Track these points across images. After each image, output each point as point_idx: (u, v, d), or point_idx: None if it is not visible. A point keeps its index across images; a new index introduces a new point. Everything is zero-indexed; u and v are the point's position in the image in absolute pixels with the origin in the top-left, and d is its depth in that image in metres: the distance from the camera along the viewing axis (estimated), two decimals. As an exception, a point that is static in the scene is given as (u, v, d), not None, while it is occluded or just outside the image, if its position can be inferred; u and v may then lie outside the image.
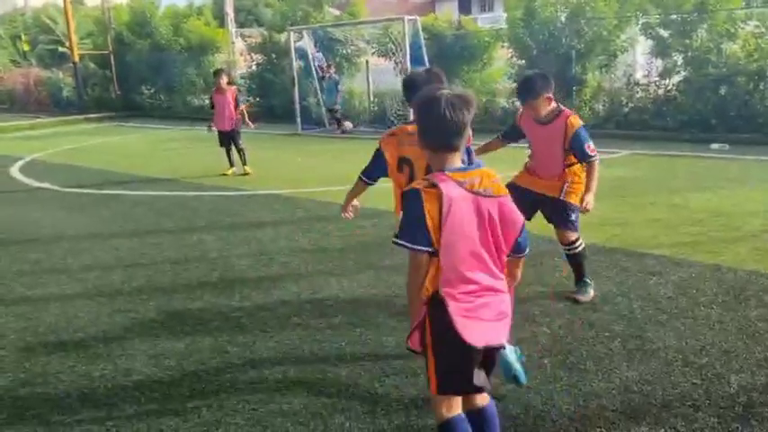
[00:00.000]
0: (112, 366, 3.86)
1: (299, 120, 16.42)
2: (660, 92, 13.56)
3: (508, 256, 2.44)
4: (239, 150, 10.44)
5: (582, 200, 4.44)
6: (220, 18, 24.18)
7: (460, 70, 15.89)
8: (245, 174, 10.27)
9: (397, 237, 2.30)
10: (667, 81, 13.48)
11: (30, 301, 5.06)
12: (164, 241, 6.64)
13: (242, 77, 21.05)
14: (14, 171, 11.74)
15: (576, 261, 4.71)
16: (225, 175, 10.27)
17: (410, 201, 2.27)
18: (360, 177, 3.85)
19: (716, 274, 4.98)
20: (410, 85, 3.67)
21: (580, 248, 4.70)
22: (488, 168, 2.35)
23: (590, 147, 4.47)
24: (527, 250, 2.53)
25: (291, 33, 16.91)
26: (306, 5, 19.21)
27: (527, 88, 4.52)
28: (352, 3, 20.11)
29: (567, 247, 4.70)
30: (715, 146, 11.25)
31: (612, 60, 14.13)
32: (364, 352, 3.93)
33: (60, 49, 31.15)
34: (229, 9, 24.01)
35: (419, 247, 2.27)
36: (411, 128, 3.33)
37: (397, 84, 16.49)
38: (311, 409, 3.31)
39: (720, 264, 5.20)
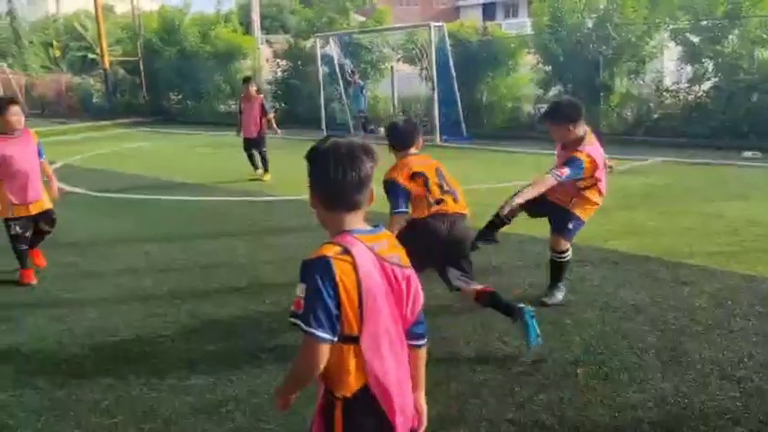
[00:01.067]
0: (146, 369, 3.91)
1: (324, 125, 16.51)
2: (690, 98, 13.39)
3: (409, 346, 1.98)
4: (262, 157, 10.59)
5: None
6: (246, 24, 24.47)
7: (486, 76, 15.87)
8: (263, 180, 10.44)
9: (295, 315, 1.79)
10: (698, 87, 13.31)
11: (66, 303, 5.15)
12: (194, 246, 6.72)
13: (268, 83, 21.23)
14: (47, 175, 11.96)
15: (558, 269, 4.78)
16: (255, 179, 10.45)
17: (318, 272, 1.75)
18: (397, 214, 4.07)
19: (752, 285, 4.90)
20: (392, 130, 4.33)
21: (566, 259, 4.77)
22: (391, 233, 1.97)
23: (561, 170, 4.42)
24: (426, 338, 2.05)
25: (317, 40, 17.03)
26: (331, 12, 19.35)
27: (551, 111, 4.71)
28: (377, 9, 20.21)
29: (557, 255, 4.75)
30: (747, 153, 11.08)
31: (641, 67, 13.99)
32: (395, 359, 3.93)
33: (90, 55, 31.72)
34: (255, 16, 24.29)
35: (323, 335, 1.75)
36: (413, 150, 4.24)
37: (421, 90, 16.55)
38: (343, 415, 3.32)
39: (756, 274, 5.11)
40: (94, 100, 27.17)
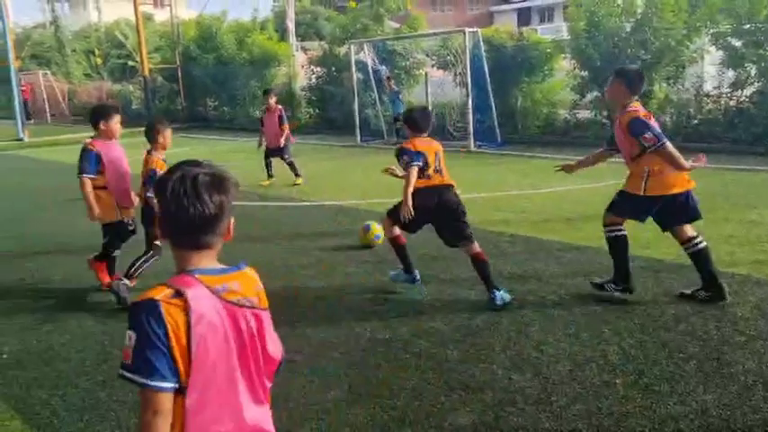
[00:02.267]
0: (184, 372, 3.97)
1: (358, 131, 16.59)
2: (732, 104, 13.09)
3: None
4: (288, 164, 10.76)
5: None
6: (282, 31, 24.74)
7: (521, 82, 15.75)
8: (296, 184, 10.59)
9: (124, 367, 1.60)
10: (740, 93, 13.01)
11: (108, 305, 5.25)
12: (230, 250, 6.71)
13: (302, 89, 21.43)
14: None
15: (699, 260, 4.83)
16: (295, 184, 10.60)
17: (145, 316, 1.59)
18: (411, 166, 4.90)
19: (797, 295, 4.76)
20: (409, 117, 5.23)
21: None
22: (251, 272, 1.82)
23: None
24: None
25: (352, 46, 17.13)
26: (366, 19, 19.45)
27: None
28: (411, 16, 20.24)
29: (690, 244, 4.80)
30: (791, 160, 10.77)
31: (681, 72, 13.72)
32: (429, 365, 3.92)
33: (130, 63, 32.44)
34: (290, 23, 24.55)
35: (161, 384, 1.57)
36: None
37: (456, 96, 16.51)
38: (377, 421, 3.32)
39: (802, 284, 4.97)
40: (133, 106, 27.75)
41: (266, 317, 1.78)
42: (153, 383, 1.56)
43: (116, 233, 5.62)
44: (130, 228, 5.66)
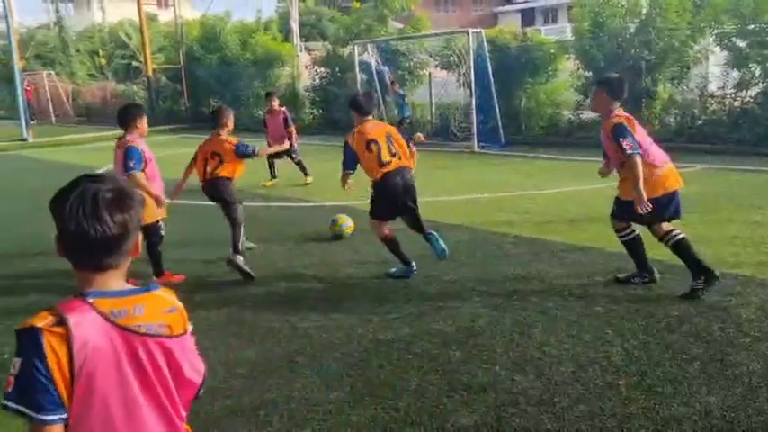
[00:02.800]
0: (186, 372, 3.96)
1: (361, 132, 16.56)
2: (736, 104, 13.05)
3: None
4: (297, 163, 10.77)
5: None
6: (286, 32, 24.76)
7: (524, 82, 15.72)
8: (307, 183, 10.65)
9: (7, 398, 1.48)
10: (744, 93, 12.96)
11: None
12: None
13: (306, 90, 21.43)
14: (92, 180, 12.25)
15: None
16: (306, 183, 10.69)
17: (26, 345, 1.48)
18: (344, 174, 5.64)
19: (802, 297, 4.73)
20: (353, 101, 5.63)
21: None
22: (164, 293, 1.66)
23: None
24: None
25: (355, 47, 17.12)
26: (369, 19, 19.45)
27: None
28: (415, 16, 20.23)
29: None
30: (796, 160, 10.73)
31: (685, 72, 13.68)
32: (431, 365, 3.91)
33: (134, 63, 32.50)
34: (294, 23, 24.57)
35: (46, 417, 1.47)
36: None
37: (459, 96, 16.48)
38: (380, 421, 3.31)
39: (806, 285, 4.94)
40: (138, 107, 27.82)
41: (176, 344, 1.62)
42: (38, 416, 1.47)
43: (151, 235, 5.62)
44: (161, 232, 5.84)
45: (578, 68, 15.20)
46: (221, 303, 5.19)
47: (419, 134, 13.78)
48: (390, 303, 5.00)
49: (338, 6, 38.30)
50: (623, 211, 4.97)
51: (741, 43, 12.76)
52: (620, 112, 4.91)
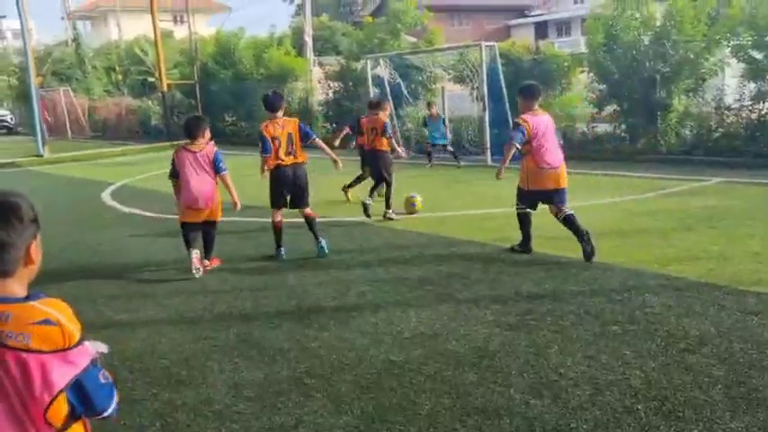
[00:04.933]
0: (194, 395, 3.90)
1: (374, 146, 16.52)
2: (753, 116, 12.87)
3: None
4: None
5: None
6: (299, 47, 24.86)
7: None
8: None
9: None
10: (761, 105, 12.79)
11: (118, 325, 5.22)
12: (245, 267, 6.76)
13: (319, 104, 21.48)
14: (106, 196, 12.32)
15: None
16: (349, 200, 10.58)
17: None
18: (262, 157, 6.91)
19: (827, 316, 4.58)
20: (264, 99, 7.00)
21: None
22: (44, 306, 1.63)
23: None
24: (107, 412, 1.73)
25: (368, 61, 17.14)
26: (382, 33, 19.49)
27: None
28: (428, 30, 20.25)
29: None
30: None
31: (701, 84, 13.53)
32: (444, 388, 3.81)
33: (150, 79, 32.79)
34: (308, 38, 24.68)
35: None
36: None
37: (473, 110, 16.40)
38: (391, 448, 3.22)
39: (831, 304, 4.79)
40: (153, 122, 28.03)
41: (35, 359, 1.57)
42: None
43: (212, 228, 6.78)
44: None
45: (592, 81, 15.09)
46: (228, 322, 5.12)
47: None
48: (403, 323, 4.91)
49: (351, 21, 38.49)
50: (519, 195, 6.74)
51: (758, 55, 12.61)
52: (525, 115, 6.37)
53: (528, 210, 6.61)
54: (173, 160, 6.60)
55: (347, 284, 5.97)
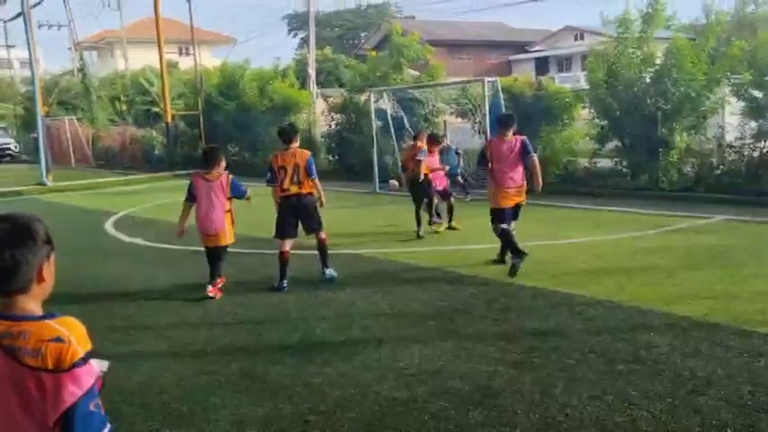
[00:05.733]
0: (195, 431, 3.85)
1: (376, 179, 16.60)
2: (755, 154, 12.94)
3: None
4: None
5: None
6: (303, 79, 25.15)
7: (540, 131, 15.73)
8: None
9: None
10: (763, 143, 12.87)
11: (119, 357, 5.15)
12: (247, 300, 6.73)
13: (322, 136, 21.62)
14: (108, 226, 12.31)
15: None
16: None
17: None
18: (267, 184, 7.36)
19: (835, 358, 4.54)
20: (279, 131, 7.49)
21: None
22: (57, 324, 1.74)
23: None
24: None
25: (371, 94, 17.31)
26: (385, 67, 19.71)
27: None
28: (431, 65, 20.48)
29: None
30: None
31: (702, 122, 13.64)
32: (448, 427, 3.77)
33: (154, 109, 33.08)
34: (311, 70, 24.97)
35: None
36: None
37: (475, 143, 16.47)
38: (395, 489, 3.16)
39: (839, 346, 4.75)
40: (156, 152, 28.16)
41: (49, 378, 1.66)
42: None
43: (222, 253, 7.07)
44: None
45: (594, 117, 15.21)
46: (231, 356, 5.08)
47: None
48: (407, 359, 4.87)
49: (355, 54, 38.99)
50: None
51: (758, 93, 12.73)
52: (493, 138, 7.63)
53: (504, 225, 7.36)
54: (190, 185, 7.10)
55: (350, 318, 5.94)
